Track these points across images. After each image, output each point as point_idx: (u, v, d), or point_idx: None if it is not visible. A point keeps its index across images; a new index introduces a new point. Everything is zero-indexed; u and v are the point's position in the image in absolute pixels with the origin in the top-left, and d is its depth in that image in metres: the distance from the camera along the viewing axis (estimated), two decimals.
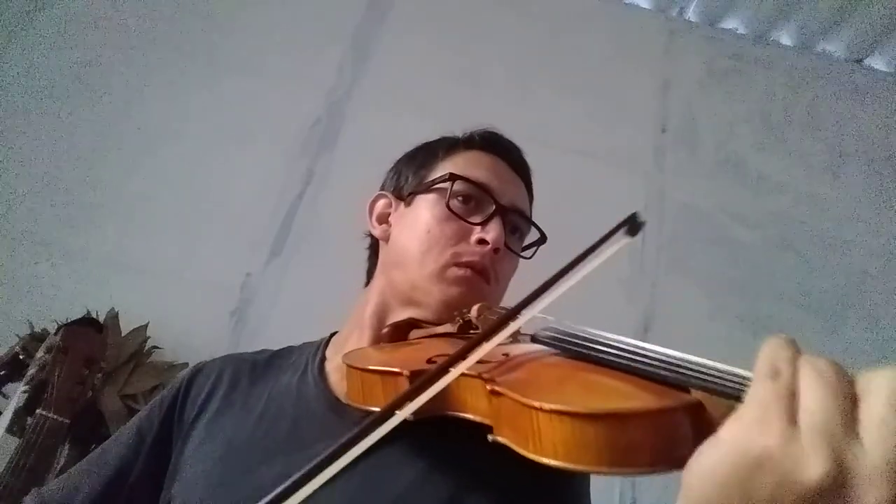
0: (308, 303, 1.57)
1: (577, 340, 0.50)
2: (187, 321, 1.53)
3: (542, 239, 0.82)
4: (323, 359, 0.75)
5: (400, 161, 0.86)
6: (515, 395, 0.41)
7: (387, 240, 0.79)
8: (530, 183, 0.83)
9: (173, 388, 0.76)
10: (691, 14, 2.20)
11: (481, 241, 0.71)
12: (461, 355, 0.45)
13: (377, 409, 0.52)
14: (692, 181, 1.94)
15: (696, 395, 0.38)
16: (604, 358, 0.45)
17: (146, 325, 1.47)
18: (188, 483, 0.64)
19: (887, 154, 2.05)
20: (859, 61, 2.21)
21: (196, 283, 1.61)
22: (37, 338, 1.29)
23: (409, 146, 0.86)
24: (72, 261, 1.59)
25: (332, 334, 0.81)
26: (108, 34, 1.87)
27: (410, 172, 0.80)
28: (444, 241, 0.71)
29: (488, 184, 0.74)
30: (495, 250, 0.70)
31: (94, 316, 1.37)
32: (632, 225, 0.59)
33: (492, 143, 0.80)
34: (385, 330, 0.72)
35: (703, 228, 1.88)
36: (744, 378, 0.37)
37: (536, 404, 0.38)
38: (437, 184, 0.75)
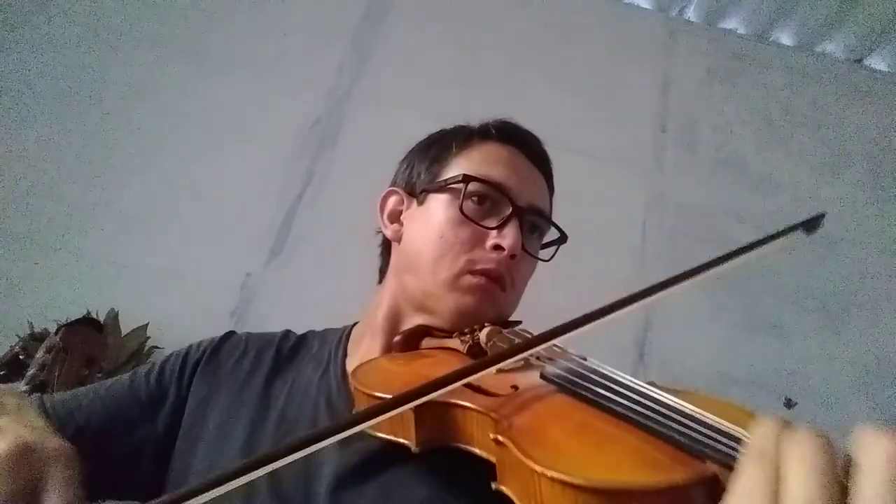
0: (308, 303, 1.57)
1: (589, 385, 0.46)
2: (187, 321, 1.53)
3: (563, 238, 0.77)
4: (345, 355, 0.73)
5: (412, 153, 0.81)
6: (518, 452, 0.39)
7: (399, 240, 0.75)
8: (550, 174, 0.79)
9: (200, 349, 0.74)
10: (691, 14, 2.20)
11: (497, 247, 0.67)
12: (454, 379, 0.44)
13: (379, 435, 0.52)
14: (692, 181, 1.94)
15: (712, 466, 0.35)
16: (617, 410, 0.42)
17: (146, 325, 1.47)
18: (207, 469, 0.62)
19: (887, 154, 2.05)
20: (859, 61, 2.21)
21: (196, 283, 1.61)
22: (37, 338, 1.29)
23: (409, 146, 0.84)
24: (72, 261, 1.59)
25: (354, 325, 0.79)
26: (107, 35, 1.87)
27: (423, 168, 0.75)
28: (458, 246, 0.67)
29: (505, 183, 0.69)
30: (511, 256, 0.67)
31: (94, 316, 1.37)
32: (811, 225, 0.52)
33: (509, 135, 0.76)
34: (397, 338, 0.69)
35: (703, 228, 1.88)
36: None
37: (539, 469, 0.36)
38: (450, 184, 0.70)
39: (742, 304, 1.78)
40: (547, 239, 0.78)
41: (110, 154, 1.73)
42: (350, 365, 0.70)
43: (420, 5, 2.07)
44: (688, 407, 0.39)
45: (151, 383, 0.70)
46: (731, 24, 2.21)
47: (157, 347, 1.47)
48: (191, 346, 0.75)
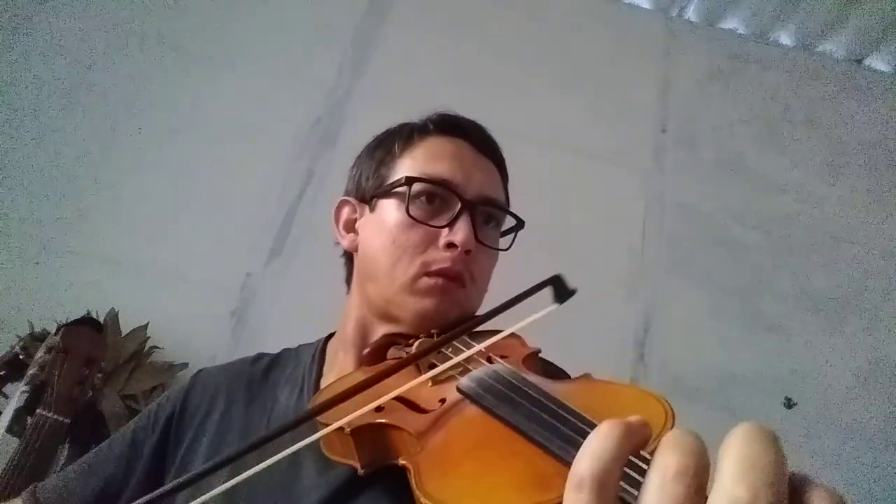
0: (308, 303, 1.56)
1: (491, 398, 0.47)
2: (187, 321, 1.53)
3: (519, 224, 0.76)
4: (320, 374, 0.73)
5: (359, 159, 0.81)
6: (414, 478, 0.41)
7: (356, 250, 0.75)
8: (500, 161, 0.78)
9: (170, 401, 0.74)
10: (691, 14, 2.20)
11: (450, 245, 0.66)
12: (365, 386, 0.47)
13: (334, 458, 0.54)
14: (692, 181, 1.94)
15: None
16: (513, 424, 0.43)
17: (146, 325, 1.47)
18: None
19: (887, 154, 2.05)
20: (859, 61, 2.21)
21: (196, 283, 1.61)
22: (37, 338, 1.29)
23: None
24: (72, 261, 1.59)
25: (329, 337, 0.79)
26: (108, 34, 1.87)
27: (370, 173, 0.75)
28: (412, 250, 0.67)
29: (450, 179, 0.68)
30: (466, 252, 0.66)
31: (94, 316, 1.37)
32: (559, 290, 0.55)
33: (449, 127, 0.75)
34: (365, 352, 0.68)
35: (703, 228, 1.88)
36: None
37: (423, 501, 0.39)
38: (395, 187, 0.70)
39: (742, 304, 1.78)
40: (506, 227, 0.76)
41: (110, 154, 1.73)
42: (325, 382, 0.70)
43: (420, 5, 2.07)
44: (582, 418, 0.39)
45: (126, 445, 0.70)
46: (731, 24, 2.21)
47: (157, 347, 1.47)
48: (160, 400, 0.75)
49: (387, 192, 0.71)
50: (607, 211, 1.80)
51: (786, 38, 2.21)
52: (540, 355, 0.63)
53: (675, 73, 2.10)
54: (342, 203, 0.79)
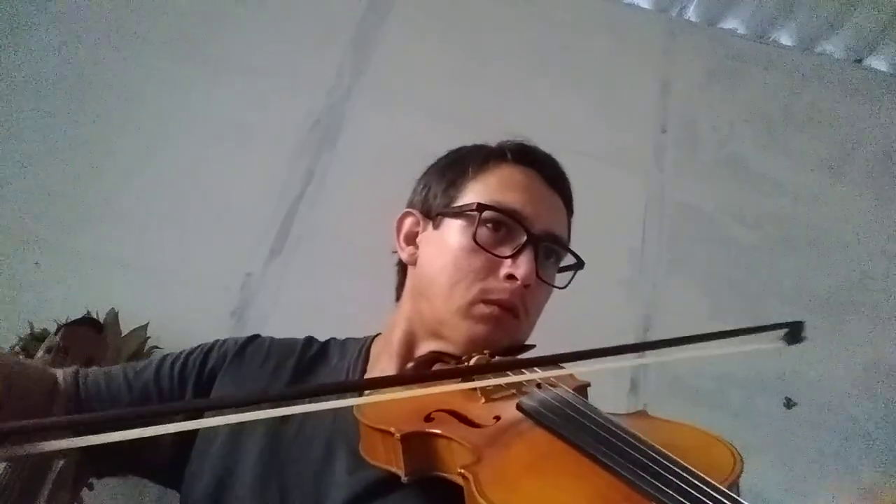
0: (308, 303, 1.57)
1: (557, 419, 0.47)
2: (187, 321, 1.53)
3: (579, 264, 0.76)
4: (363, 372, 0.73)
5: (428, 174, 0.80)
6: (475, 488, 0.41)
7: (414, 264, 0.75)
8: (569, 197, 0.78)
9: (223, 349, 0.75)
10: (691, 14, 2.20)
11: (510, 277, 0.67)
12: (426, 378, 0.46)
13: (374, 464, 0.55)
14: (692, 181, 1.94)
15: None
16: (579, 446, 0.43)
17: (146, 325, 1.46)
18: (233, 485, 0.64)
19: (887, 154, 2.05)
20: (859, 61, 2.21)
21: (196, 283, 1.61)
22: (37, 338, 1.29)
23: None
24: (72, 261, 1.59)
25: (375, 336, 0.79)
26: (108, 34, 1.86)
27: (440, 190, 0.75)
28: (472, 275, 0.67)
29: (520, 210, 0.69)
30: (525, 286, 0.66)
31: (94, 316, 1.37)
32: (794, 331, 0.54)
33: (525, 157, 0.75)
34: (409, 366, 0.69)
35: (703, 228, 1.88)
36: (718, 496, 0.34)
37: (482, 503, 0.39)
38: (465, 211, 0.70)
39: (742, 304, 1.78)
40: (564, 263, 0.76)
41: (110, 154, 1.73)
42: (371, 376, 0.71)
43: (420, 5, 2.07)
44: (643, 443, 0.40)
45: (175, 375, 0.72)
46: (731, 24, 2.21)
47: (157, 347, 1.46)
48: (216, 342, 0.77)
49: (455, 213, 0.71)
50: (607, 211, 1.80)
51: (786, 38, 2.21)
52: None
53: (675, 73, 2.10)
54: (406, 214, 0.78)
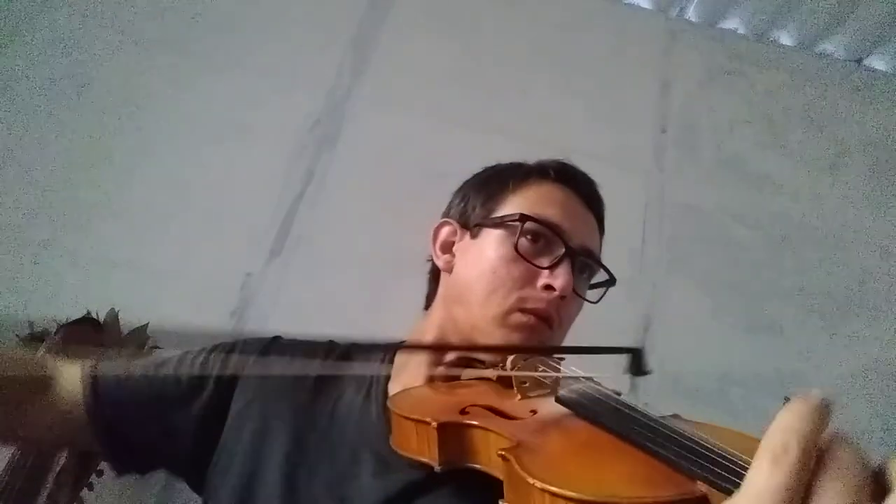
0: (308, 303, 1.57)
1: (597, 409, 0.49)
2: (187, 321, 1.53)
3: (612, 280, 0.80)
4: (388, 377, 0.74)
5: (467, 186, 0.82)
6: (518, 466, 0.41)
7: (450, 271, 0.77)
8: (603, 218, 0.83)
9: (246, 349, 0.76)
10: (691, 14, 2.20)
11: (548, 287, 0.69)
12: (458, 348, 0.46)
13: (406, 455, 0.56)
14: (692, 181, 1.94)
15: (702, 486, 0.36)
16: (620, 433, 0.44)
17: (146, 325, 1.46)
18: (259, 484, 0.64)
19: (887, 154, 2.05)
20: (859, 61, 2.21)
21: (196, 283, 1.61)
22: (37, 338, 1.29)
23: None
24: (72, 261, 1.59)
25: (400, 343, 0.80)
26: (107, 34, 1.87)
27: (479, 202, 0.77)
28: (511, 283, 0.69)
29: (560, 224, 0.71)
30: (562, 297, 0.68)
31: (94, 316, 1.37)
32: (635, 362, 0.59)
33: (566, 177, 0.78)
34: (440, 369, 0.70)
35: (703, 228, 1.88)
36: None
37: (531, 481, 0.39)
38: (506, 221, 0.72)
39: (742, 304, 1.78)
40: (595, 280, 0.80)
41: (110, 154, 1.73)
42: (392, 390, 0.72)
43: (420, 5, 2.07)
44: (686, 431, 0.40)
45: (195, 369, 0.73)
46: (731, 24, 2.21)
47: (157, 347, 1.46)
48: (238, 342, 0.78)
49: (496, 223, 0.73)
50: (607, 211, 1.80)
51: (786, 38, 2.21)
52: None
53: (675, 73, 2.10)
54: (443, 223, 0.81)
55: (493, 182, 0.78)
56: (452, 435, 0.52)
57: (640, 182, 1.91)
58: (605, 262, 0.80)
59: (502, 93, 1.94)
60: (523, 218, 0.70)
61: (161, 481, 1.35)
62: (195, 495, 0.72)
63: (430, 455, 0.53)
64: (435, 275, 0.81)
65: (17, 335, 1.32)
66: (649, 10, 2.20)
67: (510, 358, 0.64)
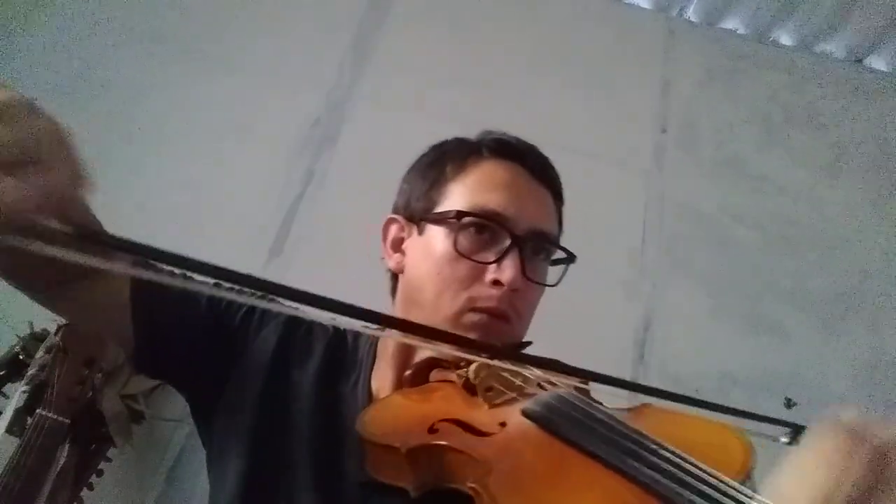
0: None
1: (564, 423, 0.47)
2: None
3: (571, 258, 0.74)
4: (373, 361, 0.73)
5: (409, 175, 0.78)
6: (487, 500, 0.41)
7: (402, 271, 0.74)
8: (556, 186, 0.76)
9: (267, 316, 0.75)
10: (691, 14, 2.20)
11: (496, 282, 0.65)
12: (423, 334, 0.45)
13: (381, 480, 0.54)
14: (692, 181, 1.94)
15: None
16: (589, 450, 0.43)
17: None
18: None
19: (887, 154, 2.05)
20: (859, 61, 2.21)
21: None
22: (37, 338, 1.29)
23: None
24: None
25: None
26: (107, 33, 1.86)
27: (420, 193, 0.73)
28: (457, 284, 0.66)
29: (502, 212, 0.66)
30: (512, 290, 0.65)
31: None
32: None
33: (505, 151, 0.72)
34: (407, 373, 0.68)
35: (703, 228, 1.87)
36: (742, 499, 0.34)
37: None
38: (445, 218, 0.68)
39: (742, 304, 1.78)
40: (556, 256, 0.74)
41: (109, 153, 1.73)
42: (375, 378, 0.71)
43: (420, 5, 2.07)
44: (661, 446, 0.39)
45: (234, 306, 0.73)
46: (731, 24, 2.21)
47: None
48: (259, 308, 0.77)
49: (436, 220, 0.70)
50: (607, 211, 1.80)
51: (786, 38, 2.21)
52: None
53: (675, 73, 2.09)
54: (390, 221, 0.77)
55: (433, 169, 0.74)
56: (424, 458, 0.51)
57: (640, 182, 1.91)
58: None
59: (502, 92, 1.94)
60: (460, 215, 0.66)
61: (161, 482, 1.35)
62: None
63: (404, 480, 0.52)
64: (393, 274, 0.78)
65: (17, 335, 1.32)
66: (649, 10, 2.20)
67: (472, 366, 0.61)
